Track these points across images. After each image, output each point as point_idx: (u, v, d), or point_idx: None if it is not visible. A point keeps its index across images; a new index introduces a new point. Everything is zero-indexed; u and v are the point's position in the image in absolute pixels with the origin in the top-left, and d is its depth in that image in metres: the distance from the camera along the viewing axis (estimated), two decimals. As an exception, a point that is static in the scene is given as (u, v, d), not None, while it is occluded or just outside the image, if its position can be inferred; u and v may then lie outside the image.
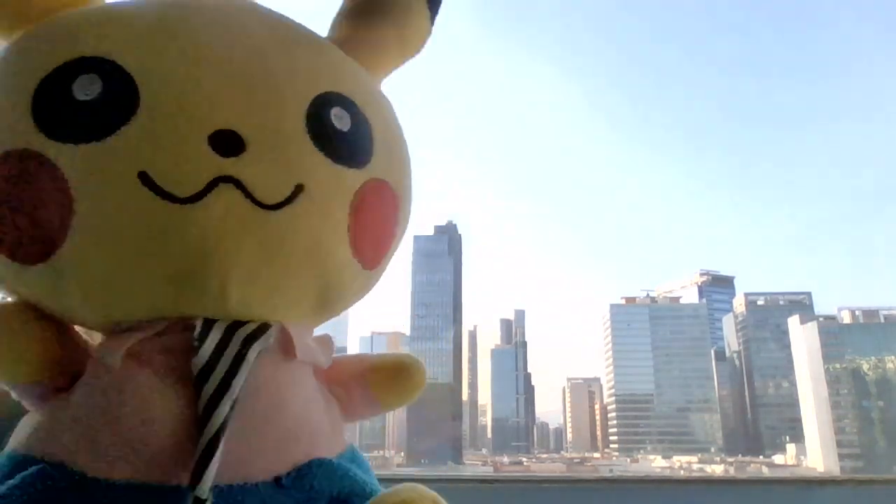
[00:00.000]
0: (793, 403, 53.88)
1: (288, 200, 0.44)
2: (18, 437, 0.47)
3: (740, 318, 60.89)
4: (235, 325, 0.44)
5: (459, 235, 67.79)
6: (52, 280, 0.43)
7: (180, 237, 0.42)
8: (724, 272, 74.49)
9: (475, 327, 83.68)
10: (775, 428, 56.91)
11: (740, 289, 69.43)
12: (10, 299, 0.48)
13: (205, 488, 0.39)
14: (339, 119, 0.48)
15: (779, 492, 1.45)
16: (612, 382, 66.66)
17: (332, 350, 0.52)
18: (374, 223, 0.51)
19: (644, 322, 65.58)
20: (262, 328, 0.45)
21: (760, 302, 60.57)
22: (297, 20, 0.55)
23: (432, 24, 0.59)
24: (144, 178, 0.41)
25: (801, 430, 50.99)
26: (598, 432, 72.28)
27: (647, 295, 69.26)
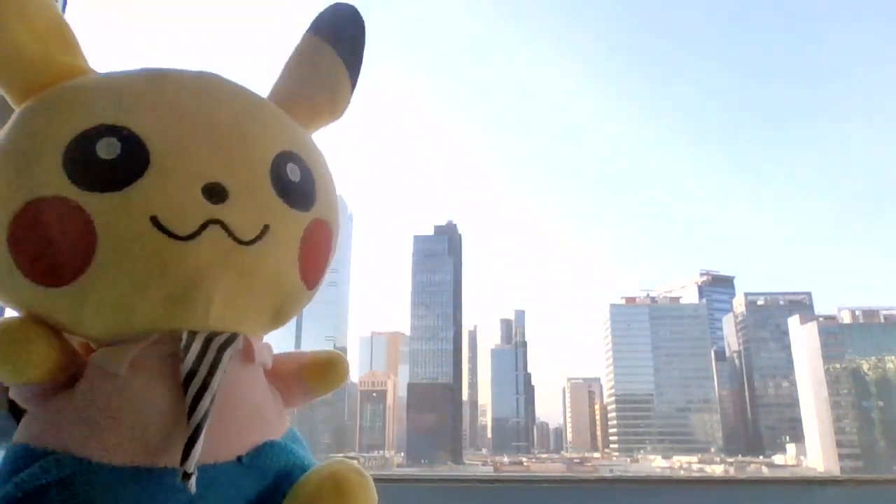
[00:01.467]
0: (793, 403, 53.84)
1: (258, 237, 0.57)
2: (31, 431, 0.56)
3: (740, 318, 60.86)
4: (211, 336, 0.56)
5: (459, 235, 67.75)
6: (72, 300, 0.54)
7: (179, 267, 0.53)
8: (724, 272, 74.49)
9: (475, 327, 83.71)
10: (775, 428, 56.87)
11: (740, 289, 69.41)
12: (16, 314, 0.57)
13: (191, 465, 0.50)
14: (293, 172, 0.61)
15: (779, 492, 1.45)
16: (612, 382, 66.59)
17: (272, 355, 0.65)
18: (316, 254, 0.64)
19: (644, 322, 65.53)
20: (232, 338, 0.57)
21: (760, 302, 60.53)
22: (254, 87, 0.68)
23: (352, 93, 0.75)
24: (154, 221, 0.52)
25: (801, 430, 50.97)
26: (598, 432, 72.26)
27: (647, 295, 69.22)
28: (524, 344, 78.69)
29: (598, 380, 77.26)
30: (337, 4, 0.75)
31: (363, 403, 63.35)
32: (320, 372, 0.70)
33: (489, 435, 76.48)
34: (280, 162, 0.61)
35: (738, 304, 61.77)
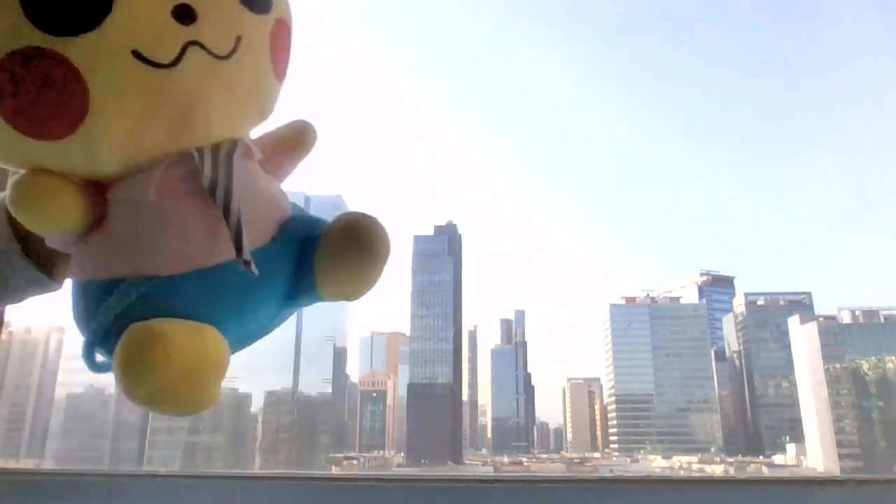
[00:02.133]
0: (793, 403, 53.93)
1: (234, 50, 0.58)
2: (86, 268, 0.60)
3: (740, 318, 60.96)
4: (216, 147, 0.60)
5: (459, 235, 67.91)
6: (81, 147, 0.54)
7: (172, 93, 0.55)
8: (724, 272, 74.59)
9: (475, 327, 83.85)
10: (775, 428, 56.97)
11: (740, 289, 69.60)
12: (26, 170, 0.58)
13: (247, 253, 0.56)
14: None
15: (779, 492, 1.45)
16: (612, 382, 66.72)
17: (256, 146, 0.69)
18: (283, 50, 0.66)
19: (644, 322, 65.66)
20: (234, 143, 0.61)
21: (760, 302, 60.65)
22: None
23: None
24: (136, 54, 0.52)
25: (801, 430, 51.07)
26: (598, 432, 72.40)
27: (647, 295, 69.35)
28: (524, 344, 78.87)
29: (598, 380, 77.46)
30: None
31: (363, 403, 63.42)
32: (293, 142, 0.74)
33: (489, 435, 76.63)
34: None
35: (738, 304, 61.87)
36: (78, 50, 0.51)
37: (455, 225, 68.86)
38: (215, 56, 0.57)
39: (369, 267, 0.65)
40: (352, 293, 0.67)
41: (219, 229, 0.57)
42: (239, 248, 0.56)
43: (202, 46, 0.56)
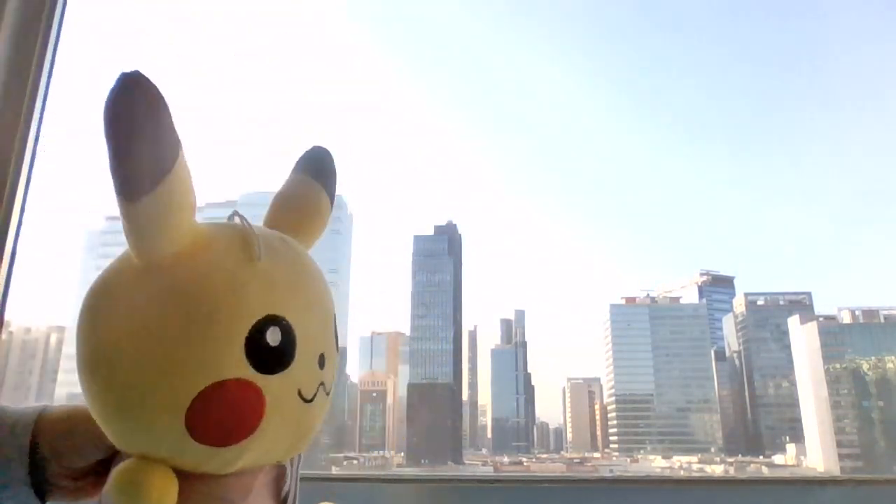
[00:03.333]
0: (793, 403, 53.80)
1: (328, 392, 0.70)
2: None
3: (740, 318, 60.86)
4: (294, 460, 0.72)
5: (459, 235, 67.72)
6: (231, 455, 0.62)
7: (306, 424, 0.67)
8: (724, 272, 74.40)
9: (475, 327, 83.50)
10: (775, 428, 56.85)
11: (740, 289, 69.23)
12: (146, 459, 0.62)
13: None
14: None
15: (779, 492, 1.44)
16: (612, 382, 66.63)
17: None
18: None
19: (644, 322, 65.55)
20: (300, 456, 0.74)
21: (760, 302, 60.52)
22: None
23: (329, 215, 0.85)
24: (299, 392, 0.65)
25: (801, 430, 50.94)
26: (598, 432, 72.26)
27: (647, 295, 69.19)
28: (524, 344, 78.70)
29: (598, 380, 77.28)
30: (317, 147, 0.86)
31: (363, 403, 63.30)
32: None
33: (489, 435, 76.46)
34: (335, 324, 0.74)
35: (738, 304, 61.74)
36: (270, 384, 0.61)
37: (455, 225, 68.67)
38: (327, 393, 0.69)
39: None
40: None
41: None
42: None
43: (323, 386, 0.68)
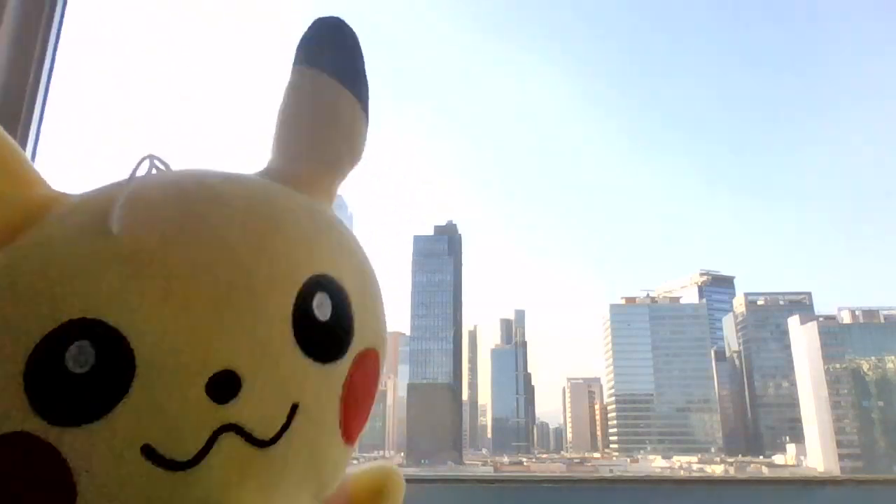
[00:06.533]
0: (793, 403, 53.88)
1: (285, 427, 0.43)
2: None
3: (740, 318, 60.91)
4: None
5: (459, 235, 67.75)
6: None
7: (188, 500, 0.40)
8: (724, 272, 74.51)
9: (475, 327, 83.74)
10: (775, 428, 56.90)
11: (740, 289, 69.55)
12: None
13: None
14: (321, 308, 0.47)
15: (779, 492, 1.45)
16: (612, 382, 66.65)
17: None
18: (362, 399, 0.50)
19: (644, 322, 65.58)
20: None
21: (760, 302, 60.58)
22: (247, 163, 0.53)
23: (367, 127, 0.60)
24: (147, 450, 0.39)
25: (801, 430, 51.00)
26: (598, 432, 72.28)
27: (647, 295, 69.25)
28: (524, 344, 78.70)
29: (598, 380, 77.35)
30: (320, 20, 0.59)
31: (363, 403, 63.24)
32: (376, 490, 0.61)
33: (489, 435, 76.48)
34: (305, 298, 0.46)
35: (738, 304, 61.82)
36: (74, 443, 0.38)
37: (455, 225, 68.78)
38: (256, 442, 0.41)
39: None
40: None
41: None
42: None
43: (240, 431, 0.41)
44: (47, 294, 0.40)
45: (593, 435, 73.44)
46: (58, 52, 1.29)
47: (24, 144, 1.19)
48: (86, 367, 0.38)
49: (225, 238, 0.45)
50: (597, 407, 73.26)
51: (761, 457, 52.66)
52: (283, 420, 0.42)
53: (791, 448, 51.18)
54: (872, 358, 48.82)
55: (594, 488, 1.44)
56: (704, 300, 68.29)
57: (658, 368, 63.45)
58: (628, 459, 58.42)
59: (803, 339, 50.35)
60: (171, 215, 0.46)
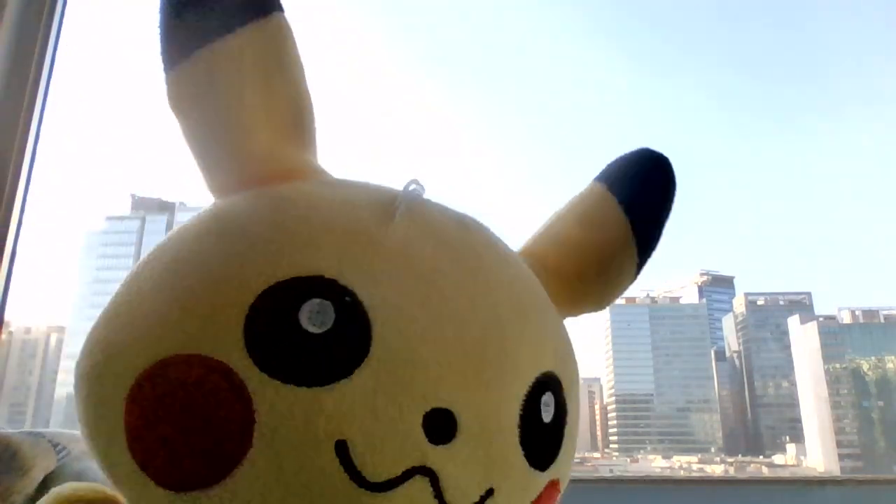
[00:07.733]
0: (793, 403, 53.91)
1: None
2: None
3: (740, 318, 60.94)
4: None
5: (459, 235, 67.62)
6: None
7: None
8: (724, 272, 74.50)
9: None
10: (775, 428, 56.91)
11: (740, 289, 69.53)
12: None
13: None
14: (546, 408, 0.42)
15: (779, 492, 1.45)
16: (612, 382, 66.68)
17: None
18: None
19: (644, 322, 65.59)
20: None
21: (760, 302, 60.62)
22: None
23: (632, 282, 0.55)
24: (341, 448, 0.33)
25: (801, 430, 50.99)
26: (598, 432, 72.22)
27: (647, 295, 69.21)
28: (524, 344, 78.59)
29: (598, 380, 77.16)
30: (644, 153, 0.56)
31: (363, 403, 63.15)
32: None
33: (489, 435, 76.42)
34: (538, 390, 0.41)
35: (738, 304, 61.86)
36: (274, 401, 0.33)
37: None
38: (441, 502, 0.35)
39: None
40: None
41: None
42: None
43: (433, 481, 0.35)
44: (300, 234, 0.38)
45: (593, 435, 73.36)
46: (58, 52, 1.29)
47: (23, 144, 1.19)
48: (319, 330, 0.34)
49: (495, 290, 0.42)
50: (596, 407, 73.18)
51: (761, 457, 52.59)
52: (476, 499, 0.37)
53: (791, 448, 51.12)
54: (872, 358, 48.81)
55: (594, 488, 1.43)
56: (704, 300, 68.26)
57: (658, 368, 63.40)
58: (628, 459, 58.33)
59: (803, 339, 50.33)
60: (450, 238, 0.43)
